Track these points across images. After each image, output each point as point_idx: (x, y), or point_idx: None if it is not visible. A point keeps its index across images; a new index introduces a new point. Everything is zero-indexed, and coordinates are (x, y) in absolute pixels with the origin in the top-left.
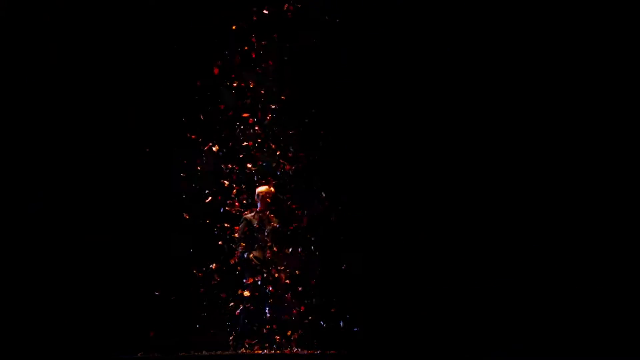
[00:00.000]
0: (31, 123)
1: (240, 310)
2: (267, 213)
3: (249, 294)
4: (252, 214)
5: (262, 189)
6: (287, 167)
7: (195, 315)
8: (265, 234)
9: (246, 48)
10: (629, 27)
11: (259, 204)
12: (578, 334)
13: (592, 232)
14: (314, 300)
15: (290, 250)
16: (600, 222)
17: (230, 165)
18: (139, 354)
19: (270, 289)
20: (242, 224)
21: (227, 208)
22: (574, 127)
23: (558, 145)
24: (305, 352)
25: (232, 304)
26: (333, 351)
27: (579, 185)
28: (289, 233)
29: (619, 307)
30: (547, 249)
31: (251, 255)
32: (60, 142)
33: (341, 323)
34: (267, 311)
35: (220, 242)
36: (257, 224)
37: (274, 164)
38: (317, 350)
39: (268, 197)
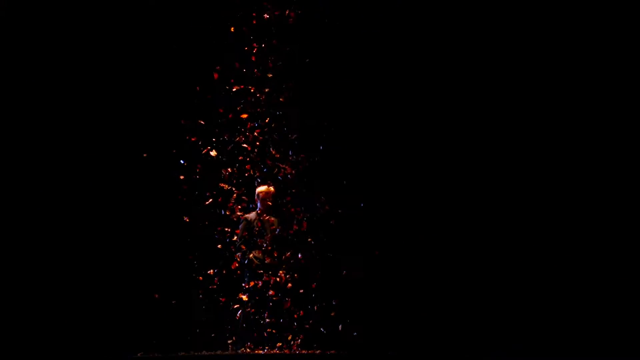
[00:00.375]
0: (31, 124)
1: (239, 314)
2: (266, 217)
3: (247, 299)
4: (253, 214)
5: (261, 189)
6: (288, 170)
7: (195, 319)
8: (265, 241)
9: (246, 49)
10: (628, 28)
11: (259, 204)
12: (578, 334)
13: (592, 232)
14: (315, 304)
15: (290, 254)
16: (600, 222)
17: (230, 169)
18: (139, 354)
19: (271, 292)
20: (243, 224)
21: (227, 212)
22: (573, 127)
23: (557, 146)
24: (305, 352)
25: (231, 307)
26: (333, 351)
27: (578, 186)
28: (288, 237)
29: (619, 307)
30: (547, 250)
31: (251, 256)
32: (60, 144)
33: (340, 326)
34: (266, 315)
35: (219, 246)
36: (256, 228)
37: (274, 170)
38: (317, 351)
39: (268, 200)
